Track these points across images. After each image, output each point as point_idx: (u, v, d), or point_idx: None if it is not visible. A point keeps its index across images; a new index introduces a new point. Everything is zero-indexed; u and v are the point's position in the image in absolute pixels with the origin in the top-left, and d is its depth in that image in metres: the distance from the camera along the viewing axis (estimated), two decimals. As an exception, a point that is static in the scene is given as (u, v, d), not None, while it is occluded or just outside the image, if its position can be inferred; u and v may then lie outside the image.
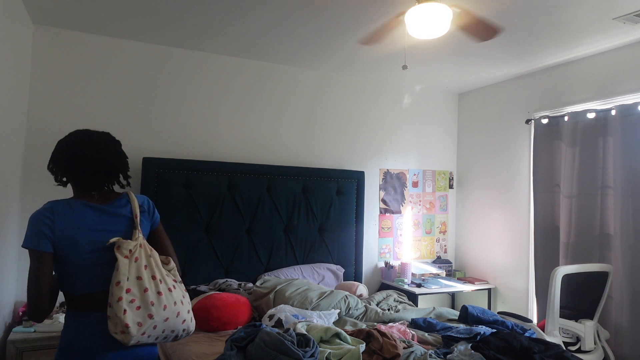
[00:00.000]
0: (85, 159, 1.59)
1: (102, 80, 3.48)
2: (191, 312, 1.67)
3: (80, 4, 2.92)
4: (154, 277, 1.56)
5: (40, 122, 3.29)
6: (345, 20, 3.05)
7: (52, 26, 3.32)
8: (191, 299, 2.96)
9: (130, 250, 1.54)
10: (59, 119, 3.34)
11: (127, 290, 1.50)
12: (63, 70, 3.36)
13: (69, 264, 1.54)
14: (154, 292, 1.54)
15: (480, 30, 2.58)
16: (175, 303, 1.58)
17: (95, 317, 1.54)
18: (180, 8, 2.95)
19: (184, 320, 1.62)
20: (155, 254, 1.62)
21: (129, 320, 1.47)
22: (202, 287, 3.38)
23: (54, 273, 1.57)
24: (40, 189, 3.28)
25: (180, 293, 1.64)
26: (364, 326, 2.79)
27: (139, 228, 1.62)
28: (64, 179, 1.64)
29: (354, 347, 2.17)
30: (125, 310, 1.48)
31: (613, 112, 3.35)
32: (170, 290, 1.59)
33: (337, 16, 2.99)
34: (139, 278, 1.53)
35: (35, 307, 1.51)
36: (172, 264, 1.69)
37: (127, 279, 1.51)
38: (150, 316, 1.52)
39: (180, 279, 1.70)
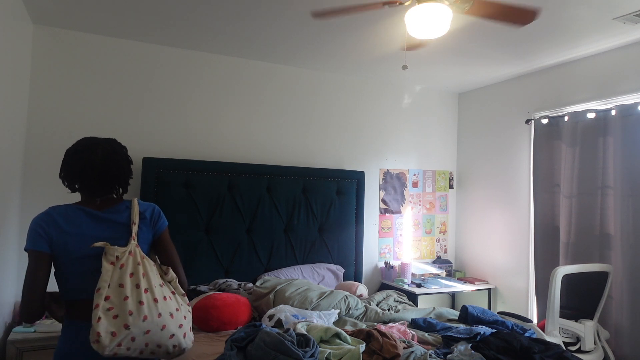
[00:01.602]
0: (95, 165, 1.58)
1: (102, 80, 3.48)
2: (186, 327, 1.56)
3: (80, 4, 2.92)
4: (137, 286, 1.48)
5: (40, 122, 3.29)
6: (346, 21, 3.05)
7: (52, 26, 3.32)
8: (191, 299, 2.98)
9: (117, 257, 1.49)
10: (59, 120, 3.34)
11: (106, 298, 1.44)
12: (63, 70, 3.36)
13: (60, 269, 1.55)
14: (135, 301, 1.45)
15: (513, 15, 2.44)
16: (160, 315, 1.48)
17: (85, 325, 1.45)
18: (179, 8, 2.95)
19: (172, 335, 1.50)
20: (149, 263, 1.55)
21: (102, 328, 1.40)
22: (202, 287, 3.38)
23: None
24: (39, 189, 3.28)
25: (173, 305, 1.54)
26: (364, 326, 2.78)
27: (134, 236, 1.56)
28: (76, 186, 1.62)
29: (354, 347, 2.17)
30: (99, 318, 1.41)
31: (613, 112, 3.35)
32: (156, 300, 1.48)
33: (338, 17, 2.98)
34: (120, 285, 1.46)
35: (26, 306, 1.51)
36: (172, 275, 1.62)
37: (108, 285, 1.45)
38: (126, 326, 1.42)
39: (182, 292, 1.64)
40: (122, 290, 1.45)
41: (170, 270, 1.62)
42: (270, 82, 4.08)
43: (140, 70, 3.60)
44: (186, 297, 1.65)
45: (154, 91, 3.64)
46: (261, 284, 3.23)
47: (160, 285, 1.54)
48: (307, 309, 2.92)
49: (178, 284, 1.63)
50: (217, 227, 3.64)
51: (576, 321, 3.09)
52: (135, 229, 1.57)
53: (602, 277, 3.12)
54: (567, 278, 3.00)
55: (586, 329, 3.02)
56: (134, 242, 1.54)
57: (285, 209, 3.90)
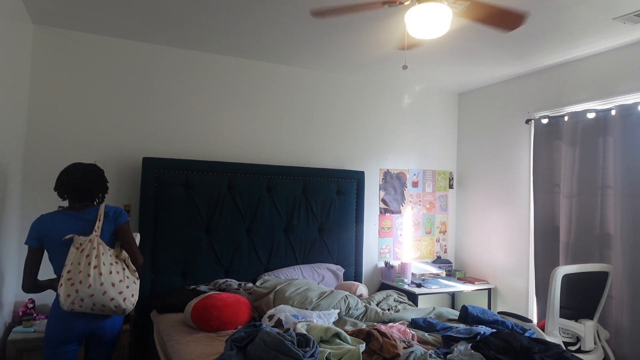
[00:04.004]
0: (75, 184, 2.29)
1: (102, 80, 3.48)
2: (126, 294, 2.19)
3: (80, 4, 2.92)
4: (89, 264, 2.13)
5: (40, 122, 3.29)
6: (346, 21, 3.05)
7: (52, 26, 3.32)
8: (191, 299, 2.99)
9: (80, 244, 2.17)
10: (59, 119, 3.34)
11: (68, 272, 2.13)
12: (63, 70, 3.37)
13: (50, 255, 2.24)
14: (85, 274, 2.12)
15: (504, 19, 2.51)
16: (102, 284, 2.12)
17: None
18: (179, 8, 2.95)
19: (112, 298, 2.15)
20: (104, 247, 2.20)
21: (61, 292, 2.11)
22: (202, 287, 3.38)
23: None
24: (39, 189, 3.28)
25: (117, 278, 2.18)
26: (364, 326, 2.78)
27: (97, 229, 2.23)
28: (65, 195, 2.32)
29: (354, 347, 2.17)
30: (61, 285, 2.11)
31: (613, 112, 3.35)
32: (101, 274, 2.13)
33: (337, 17, 2.98)
34: (78, 263, 2.13)
35: (23, 280, 2.24)
36: (124, 254, 2.29)
37: (71, 263, 2.14)
38: (77, 291, 2.10)
39: (133, 268, 2.29)
40: (78, 267, 2.13)
41: (124, 252, 2.29)
42: (270, 82, 4.08)
43: (140, 70, 3.60)
44: (136, 273, 2.30)
45: (154, 91, 3.64)
46: (261, 284, 3.23)
47: (112, 263, 2.20)
48: (307, 309, 2.92)
49: (130, 262, 2.29)
50: (217, 227, 3.64)
51: (576, 321, 3.09)
52: (98, 224, 2.24)
53: (602, 277, 3.12)
54: (567, 278, 3.00)
55: (586, 329, 3.02)
56: (94, 233, 2.21)
57: (285, 209, 3.90)
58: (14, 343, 2.78)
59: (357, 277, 4.21)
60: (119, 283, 2.17)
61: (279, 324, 2.63)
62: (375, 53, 3.70)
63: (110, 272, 2.17)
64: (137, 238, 2.61)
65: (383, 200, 4.56)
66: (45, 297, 3.25)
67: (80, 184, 2.29)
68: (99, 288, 2.12)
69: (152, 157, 3.48)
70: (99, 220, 2.24)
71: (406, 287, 4.07)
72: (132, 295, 2.23)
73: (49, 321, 2.23)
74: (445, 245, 4.89)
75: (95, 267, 2.13)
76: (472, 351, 2.31)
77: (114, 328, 2.32)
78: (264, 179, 3.84)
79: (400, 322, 2.93)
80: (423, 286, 4.09)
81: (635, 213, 3.19)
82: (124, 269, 2.23)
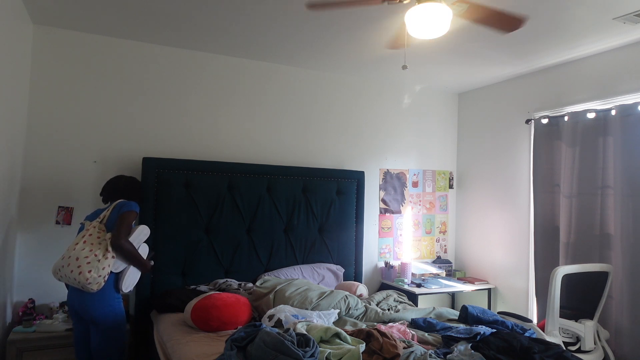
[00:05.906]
0: (115, 190, 2.83)
1: (102, 80, 3.48)
2: (83, 269, 2.37)
3: (80, 4, 2.92)
4: (77, 243, 2.48)
5: (40, 122, 3.29)
6: (345, 21, 3.05)
7: (52, 26, 3.32)
8: (191, 299, 2.99)
9: (87, 229, 2.55)
10: (59, 119, 3.34)
11: (67, 249, 2.49)
12: (63, 70, 3.37)
13: None
14: (67, 250, 2.48)
15: (503, 21, 2.54)
16: (69, 257, 2.42)
17: None
18: (179, 8, 2.95)
19: (72, 270, 2.39)
20: (94, 230, 2.52)
21: (54, 264, 2.50)
22: (202, 287, 3.38)
23: None
24: (39, 189, 3.27)
25: (84, 254, 2.42)
26: (364, 326, 2.78)
27: (101, 216, 2.61)
28: (107, 199, 2.84)
29: (354, 347, 2.17)
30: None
31: (613, 112, 3.35)
32: (74, 249, 2.45)
33: (337, 16, 2.99)
34: (76, 243, 2.50)
35: None
36: (108, 236, 2.51)
37: (74, 242, 2.51)
38: (57, 263, 2.47)
39: (110, 249, 2.47)
40: (71, 245, 2.50)
41: (108, 234, 2.52)
42: (270, 82, 4.08)
43: (140, 70, 3.60)
44: (110, 253, 2.47)
45: (154, 91, 3.64)
46: (261, 284, 3.23)
47: (93, 243, 2.47)
48: (307, 309, 2.92)
49: (109, 244, 2.49)
50: (217, 227, 3.64)
51: (576, 321, 3.09)
52: (106, 213, 2.62)
53: (602, 277, 3.12)
54: (567, 278, 3.00)
55: (586, 329, 3.02)
56: (97, 220, 2.60)
57: (285, 209, 3.90)
58: (14, 343, 2.78)
59: (357, 277, 4.21)
60: (83, 258, 2.40)
61: (279, 324, 2.63)
62: (375, 53, 3.70)
63: (83, 249, 2.44)
64: (139, 230, 2.66)
65: (383, 200, 4.56)
66: (45, 297, 3.24)
67: (121, 190, 2.82)
68: (67, 260, 2.42)
69: (152, 157, 3.48)
70: (108, 210, 2.63)
71: (406, 287, 4.07)
72: (89, 271, 2.38)
73: None
74: (445, 245, 4.89)
75: (76, 244, 2.47)
76: (472, 351, 2.31)
77: (95, 309, 2.48)
78: (264, 179, 3.84)
79: (400, 322, 2.92)
80: (423, 286, 4.09)
81: (635, 213, 3.19)
82: (99, 248, 2.46)
